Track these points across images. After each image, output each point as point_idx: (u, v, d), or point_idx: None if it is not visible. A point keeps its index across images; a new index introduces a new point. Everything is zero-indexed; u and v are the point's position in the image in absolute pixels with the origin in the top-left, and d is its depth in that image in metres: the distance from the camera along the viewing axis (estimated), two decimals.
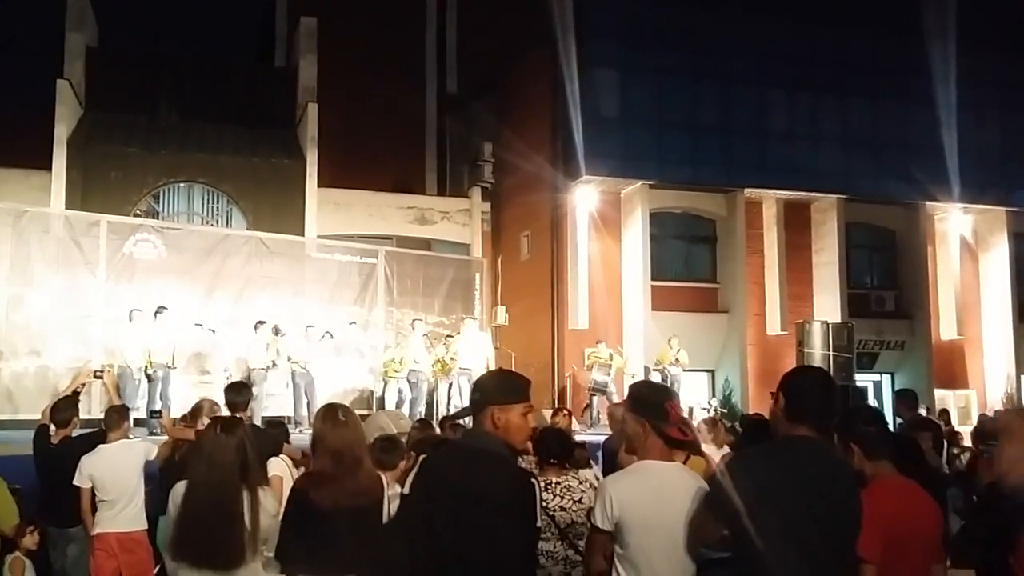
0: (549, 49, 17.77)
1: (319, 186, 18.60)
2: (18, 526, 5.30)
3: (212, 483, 3.52)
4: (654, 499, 3.20)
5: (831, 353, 15.83)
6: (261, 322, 12.97)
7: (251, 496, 3.53)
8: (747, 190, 18.39)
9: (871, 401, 18.35)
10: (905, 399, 7.88)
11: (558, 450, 5.30)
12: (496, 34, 20.73)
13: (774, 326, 18.53)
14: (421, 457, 3.21)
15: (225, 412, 5.87)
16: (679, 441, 3.37)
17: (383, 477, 3.97)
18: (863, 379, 18.48)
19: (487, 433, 3.09)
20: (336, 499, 3.62)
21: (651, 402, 3.36)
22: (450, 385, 14.44)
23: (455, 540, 2.89)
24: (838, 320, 17.38)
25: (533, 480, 3.09)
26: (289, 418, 12.34)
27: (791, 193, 18.87)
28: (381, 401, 14.52)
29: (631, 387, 3.73)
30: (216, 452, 3.57)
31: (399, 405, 13.71)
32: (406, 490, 3.03)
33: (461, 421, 9.21)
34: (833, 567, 2.85)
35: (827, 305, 18.63)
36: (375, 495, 3.76)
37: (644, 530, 3.18)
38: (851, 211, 19.15)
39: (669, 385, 15.00)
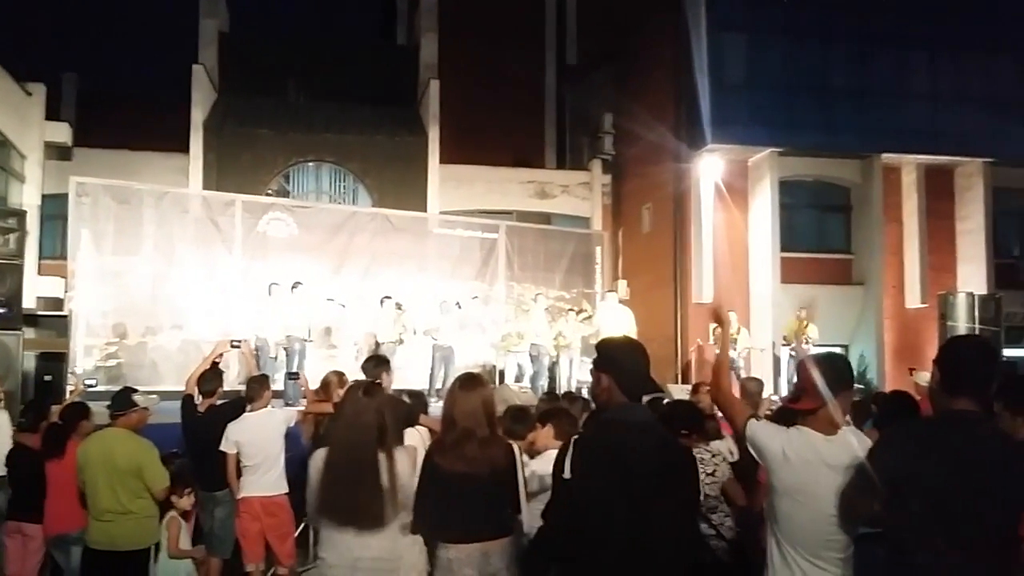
0: (671, 15, 17.34)
1: (440, 162, 18.84)
2: (168, 489, 5.60)
3: (351, 444, 3.60)
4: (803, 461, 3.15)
5: (977, 327, 14.92)
6: (387, 297, 13.24)
7: (387, 457, 3.59)
8: (884, 155, 17.48)
9: None
10: None
11: (689, 422, 5.24)
12: (616, 2, 20.38)
13: (913, 299, 17.64)
14: (574, 437, 3.16)
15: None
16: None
17: (514, 446, 3.95)
18: (1011, 354, 17.35)
19: (640, 406, 3.08)
20: (454, 465, 3.68)
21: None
22: (570, 360, 14.39)
23: (619, 514, 2.87)
24: (984, 291, 16.38)
25: (691, 451, 3.04)
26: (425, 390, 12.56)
27: (932, 158, 17.83)
28: (502, 375, 14.64)
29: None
30: (356, 414, 3.65)
31: (519, 379, 13.77)
32: (566, 473, 2.98)
33: (582, 393, 9.18)
34: (989, 546, 2.68)
35: (971, 276, 17.62)
36: (498, 463, 3.77)
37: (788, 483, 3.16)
38: (999, 176, 17.95)
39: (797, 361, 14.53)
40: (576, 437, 3.16)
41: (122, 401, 5.58)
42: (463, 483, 3.66)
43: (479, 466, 3.69)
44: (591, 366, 3.22)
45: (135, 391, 5.75)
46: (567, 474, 2.98)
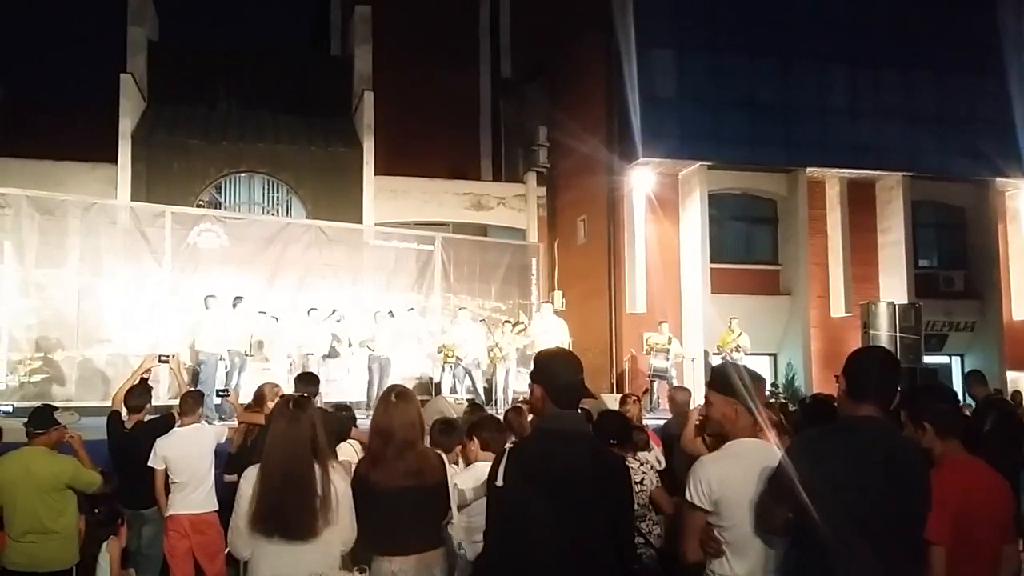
0: (604, 29, 17.61)
1: (376, 174, 18.77)
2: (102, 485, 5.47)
3: (286, 457, 3.54)
4: (749, 478, 3.19)
5: (898, 335, 15.45)
6: (313, 308, 13.19)
7: (321, 470, 3.56)
8: (809, 169, 17.98)
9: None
10: (978, 378, 7.74)
11: (617, 432, 5.32)
12: (550, 15, 20.60)
13: (838, 308, 18.17)
14: (508, 446, 3.19)
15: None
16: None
17: (442, 456, 3.99)
18: (931, 361, 18.01)
19: (573, 415, 3.09)
20: (388, 480, 3.67)
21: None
22: (507, 371, 14.46)
23: (552, 525, 2.85)
24: (904, 301, 16.96)
25: (623, 460, 3.07)
26: (359, 403, 12.47)
27: (855, 172, 18.40)
28: (439, 386, 14.65)
29: (715, 369, 3.64)
30: (289, 427, 3.59)
31: (454, 390, 13.80)
32: (499, 481, 2.98)
33: (523, 406, 9.20)
34: (899, 549, 2.78)
35: (893, 286, 18.19)
36: (431, 476, 3.79)
37: (741, 507, 3.17)
38: (917, 189, 18.61)
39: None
40: (511, 446, 3.19)
41: (41, 419, 5.37)
42: (403, 495, 3.65)
43: (419, 477, 3.70)
44: (528, 378, 3.26)
45: (55, 408, 5.58)
46: (499, 481, 2.98)
